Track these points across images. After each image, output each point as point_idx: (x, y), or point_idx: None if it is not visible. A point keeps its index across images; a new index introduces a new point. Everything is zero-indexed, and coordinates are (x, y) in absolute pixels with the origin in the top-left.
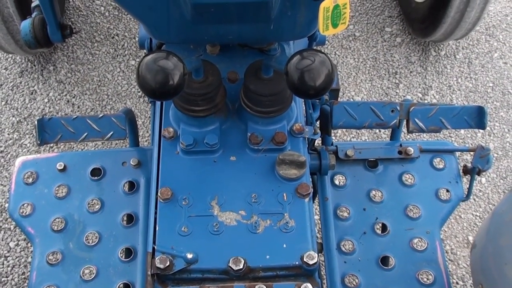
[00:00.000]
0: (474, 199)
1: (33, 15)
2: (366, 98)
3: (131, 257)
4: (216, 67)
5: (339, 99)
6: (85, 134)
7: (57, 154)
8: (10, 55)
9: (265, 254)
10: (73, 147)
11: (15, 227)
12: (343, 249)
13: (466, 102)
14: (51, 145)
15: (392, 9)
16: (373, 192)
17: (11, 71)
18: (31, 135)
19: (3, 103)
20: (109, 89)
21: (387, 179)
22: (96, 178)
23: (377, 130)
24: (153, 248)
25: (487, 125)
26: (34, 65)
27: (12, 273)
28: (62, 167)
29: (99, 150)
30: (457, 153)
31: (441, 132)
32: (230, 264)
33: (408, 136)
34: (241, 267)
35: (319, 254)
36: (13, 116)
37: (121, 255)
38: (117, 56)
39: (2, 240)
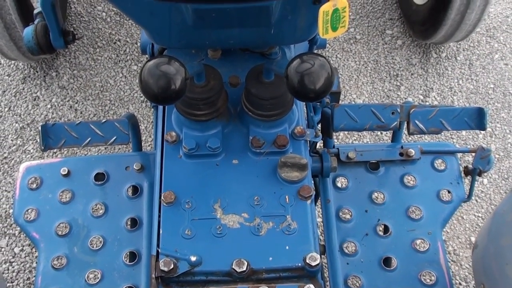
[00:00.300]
0: (476, 200)
1: (35, 22)
2: (368, 101)
3: (136, 260)
4: (218, 71)
5: (340, 102)
6: (89, 139)
7: (61, 160)
8: (13, 62)
9: (268, 256)
10: (77, 152)
11: (20, 232)
12: (346, 250)
13: (467, 103)
14: (55, 150)
15: (393, 11)
16: (375, 193)
17: (14, 78)
18: (35, 141)
19: (6, 109)
20: (111, 94)
21: (389, 180)
22: (99, 182)
23: (379, 132)
24: (157, 251)
25: (488, 126)
26: (37, 71)
27: (18, 279)
28: (66, 172)
29: (102, 155)
30: (459, 155)
31: (443, 133)
32: (233, 266)
33: (410, 138)
34: (244, 269)
35: (322, 256)
36: (16, 122)
37: (126, 259)
38: (119, 61)
39: (7, 246)
